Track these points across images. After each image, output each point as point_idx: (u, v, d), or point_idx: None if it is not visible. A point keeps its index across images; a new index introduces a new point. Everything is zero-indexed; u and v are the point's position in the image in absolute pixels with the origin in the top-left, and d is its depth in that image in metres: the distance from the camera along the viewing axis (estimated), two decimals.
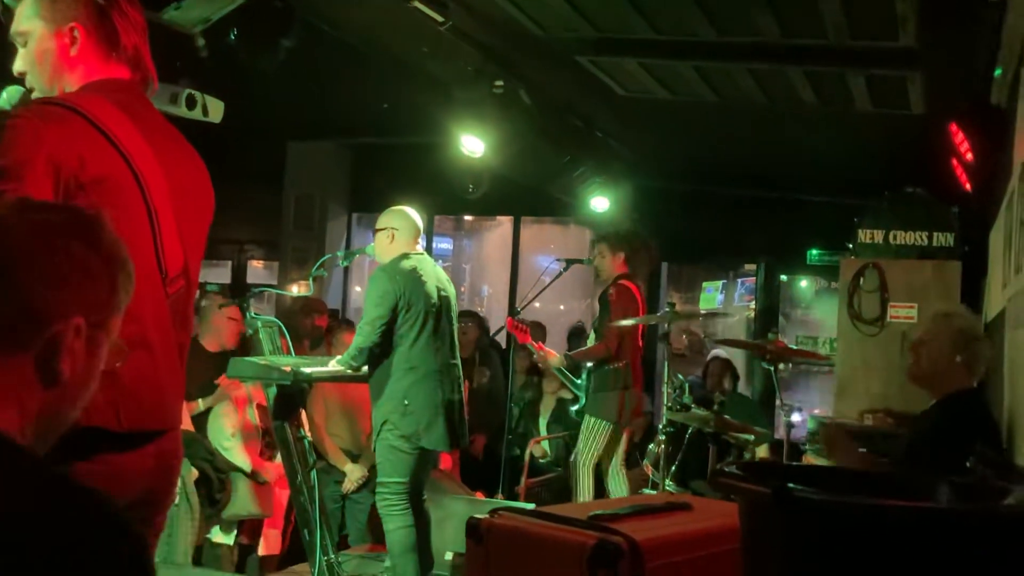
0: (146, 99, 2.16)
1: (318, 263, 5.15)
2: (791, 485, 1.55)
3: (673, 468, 5.31)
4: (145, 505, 1.94)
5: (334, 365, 4.60)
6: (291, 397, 4.74)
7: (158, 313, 1.96)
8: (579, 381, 6.04)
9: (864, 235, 5.84)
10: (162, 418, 1.99)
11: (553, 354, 6.01)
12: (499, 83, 5.74)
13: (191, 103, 4.32)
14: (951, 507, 1.68)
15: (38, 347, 1.22)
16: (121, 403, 1.86)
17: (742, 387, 7.96)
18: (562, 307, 11.52)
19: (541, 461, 6.97)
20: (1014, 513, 1.49)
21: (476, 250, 12.65)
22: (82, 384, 1.29)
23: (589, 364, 5.84)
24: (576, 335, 8.93)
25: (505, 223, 10.89)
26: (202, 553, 5.19)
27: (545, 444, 7.14)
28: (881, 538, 1.43)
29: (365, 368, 4.60)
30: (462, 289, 12.05)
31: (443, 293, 4.63)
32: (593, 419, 5.67)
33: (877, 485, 1.89)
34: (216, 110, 4.47)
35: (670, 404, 5.32)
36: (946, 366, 3.30)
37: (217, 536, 5.24)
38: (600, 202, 7.82)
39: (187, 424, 5.08)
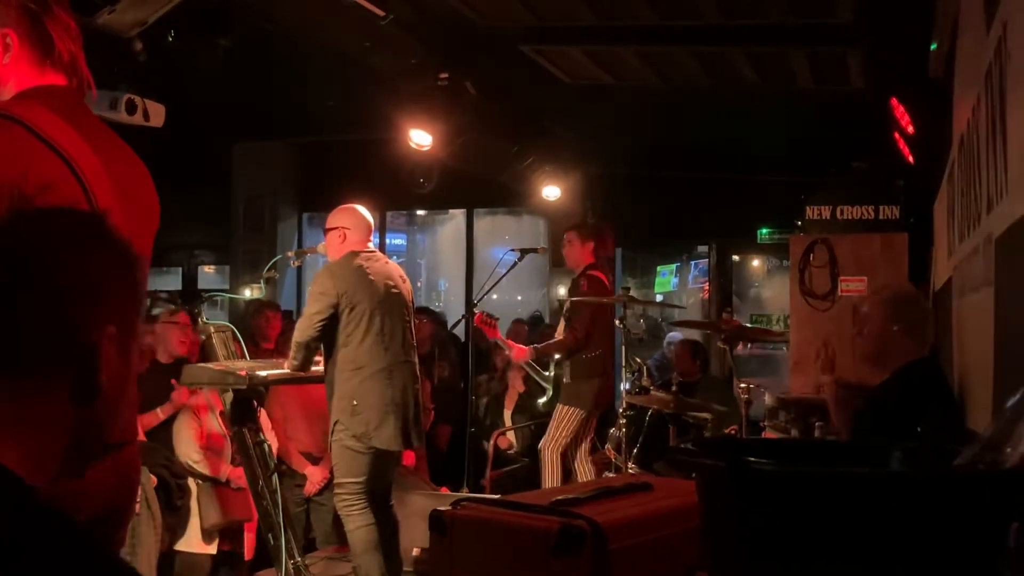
0: (85, 105, 2.11)
1: (269, 264, 5.09)
2: (746, 458, 1.56)
3: (635, 451, 5.35)
4: (107, 522, 1.91)
5: (286, 367, 4.56)
6: (248, 402, 4.69)
7: None
8: (547, 373, 6.04)
9: (812, 212, 5.92)
10: (120, 430, 1.95)
11: (523, 350, 5.97)
12: (444, 75, 5.73)
13: (131, 108, 4.25)
14: (901, 472, 1.71)
15: (75, 364, 1.15)
16: None
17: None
18: (519, 297, 11.54)
19: (509, 453, 6.97)
20: (961, 474, 1.52)
21: (430, 244, 12.62)
22: (119, 395, 1.22)
23: (557, 356, 5.84)
24: (534, 325, 8.94)
25: (458, 216, 10.87)
26: (175, 563, 5.13)
27: (511, 435, 7.14)
28: (836, 505, 1.45)
29: (316, 368, 4.56)
30: (418, 284, 12.01)
31: (393, 290, 4.57)
32: (567, 407, 5.67)
33: (831, 454, 1.92)
34: (157, 114, 4.40)
35: (629, 387, 5.34)
36: (888, 338, 3.34)
37: (198, 547, 5.17)
38: (551, 191, 7.83)
39: (140, 435, 5.01)
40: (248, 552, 5.42)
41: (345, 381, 4.39)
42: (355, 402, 4.36)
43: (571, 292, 5.89)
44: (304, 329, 4.40)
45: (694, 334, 7.78)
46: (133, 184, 2.10)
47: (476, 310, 5.96)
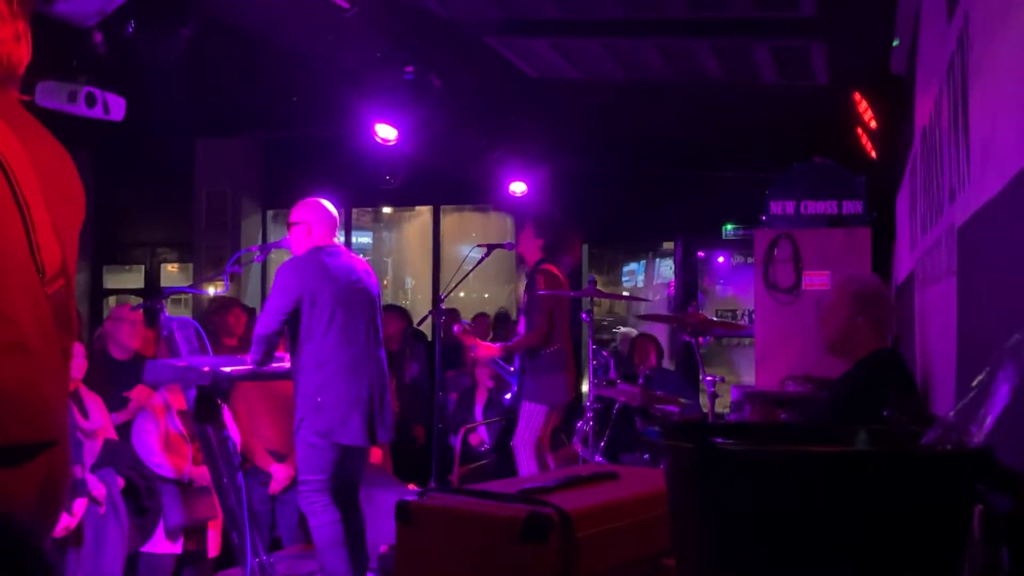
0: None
1: (232, 259, 5.04)
2: (714, 439, 1.56)
3: (602, 444, 5.35)
4: (39, 527, 1.85)
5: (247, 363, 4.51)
6: (212, 399, 4.63)
7: (37, 314, 1.82)
8: (511, 368, 6.02)
9: (775, 207, 5.96)
10: (47, 428, 1.86)
11: (491, 348, 5.97)
12: (409, 69, 5.70)
13: (91, 101, 4.17)
14: (868, 450, 1.72)
15: None
16: (4, 413, 1.74)
17: (666, 363, 8.05)
18: (486, 295, 11.51)
19: (480, 449, 6.96)
20: (927, 453, 1.53)
21: (396, 242, 12.55)
22: None
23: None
24: (501, 322, 8.92)
25: (424, 213, 10.84)
26: (138, 564, 5.05)
27: (482, 431, 7.12)
28: (804, 485, 1.45)
29: (283, 364, 4.52)
30: (384, 282, 11.95)
31: (357, 285, 4.53)
32: (532, 404, 5.65)
33: (798, 436, 1.92)
34: (117, 107, 4.32)
35: (596, 381, 5.34)
36: (851, 329, 3.38)
37: (162, 547, 5.10)
38: (518, 186, 7.82)
39: (111, 433, 4.94)
40: (212, 550, 5.36)
41: (309, 377, 4.36)
42: (319, 398, 4.33)
43: (527, 288, 5.86)
44: (267, 323, 4.39)
45: (649, 329, 7.82)
46: (56, 170, 2.01)
47: (458, 322, 5.95)
